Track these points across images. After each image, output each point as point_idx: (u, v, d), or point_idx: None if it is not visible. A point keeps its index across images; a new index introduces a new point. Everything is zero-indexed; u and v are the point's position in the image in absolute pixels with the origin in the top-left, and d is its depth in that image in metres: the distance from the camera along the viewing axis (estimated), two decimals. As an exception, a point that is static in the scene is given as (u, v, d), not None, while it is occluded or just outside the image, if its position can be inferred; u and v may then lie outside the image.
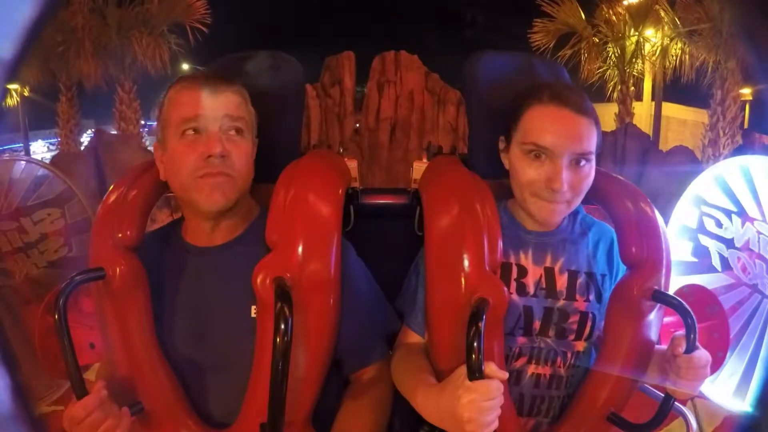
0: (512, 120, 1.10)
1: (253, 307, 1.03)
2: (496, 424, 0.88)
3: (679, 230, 2.17)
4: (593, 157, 1.06)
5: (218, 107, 1.02)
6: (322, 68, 7.48)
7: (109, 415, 0.92)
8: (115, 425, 0.93)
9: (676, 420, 1.21)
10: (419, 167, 1.32)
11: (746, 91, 8.53)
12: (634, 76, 9.79)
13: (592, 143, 1.04)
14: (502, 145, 1.14)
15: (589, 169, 1.05)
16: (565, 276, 1.13)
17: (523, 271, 1.12)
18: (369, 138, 7.32)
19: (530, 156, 1.04)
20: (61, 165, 5.86)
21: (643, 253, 1.07)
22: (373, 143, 7.31)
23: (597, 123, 1.06)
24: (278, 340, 0.87)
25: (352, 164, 1.30)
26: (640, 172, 6.15)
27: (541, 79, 1.21)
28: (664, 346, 1.07)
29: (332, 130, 7.22)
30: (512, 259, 1.12)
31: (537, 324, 1.11)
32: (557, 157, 1.02)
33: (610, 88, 9.78)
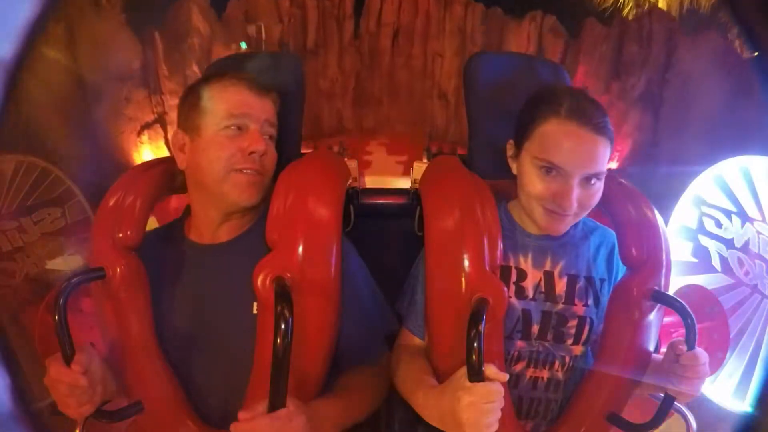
0: (525, 127, 1.06)
1: (255, 304, 1.03)
2: (495, 426, 0.88)
3: (679, 230, 2.17)
4: (604, 175, 1.03)
5: (262, 111, 1.08)
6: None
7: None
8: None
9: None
10: (419, 167, 1.32)
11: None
12: (649, 1, 9.57)
13: (605, 163, 1.01)
14: (510, 150, 1.11)
15: (600, 187, 1.03)
16: (565, 280, 1.12)
17: (522, 275, 1.12)
18: (369, 42, 7.04)
19: (542, 170, 1.02)
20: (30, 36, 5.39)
21: (643, 254, 1.07)
22: (373, 48, 6.99)
23: (612, 140, 1.02)
24: (278, 340, 0.87)
25: (352, 164, 1.30)
26: (667, 56, 5.85)
27: (541, 80, 1.21)
28: (660, 356, 1.07)
29: (330, 33, 6.95)
30: (512, 263, 1.12)
31: (535, 328, 1.10)
32: (570, 176, 0.99)
33: (626, 13, 9.60)
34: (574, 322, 1.11)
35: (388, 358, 1.15)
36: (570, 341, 1.12)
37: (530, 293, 1.11)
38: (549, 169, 1.01)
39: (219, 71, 1.13)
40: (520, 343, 1.10)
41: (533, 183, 1.03)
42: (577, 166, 0.99)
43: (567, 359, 1.12)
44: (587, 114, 0.99)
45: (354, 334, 1.09)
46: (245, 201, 1.06)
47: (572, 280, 1.12)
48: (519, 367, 1.11)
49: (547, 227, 1.06)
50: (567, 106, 1.00)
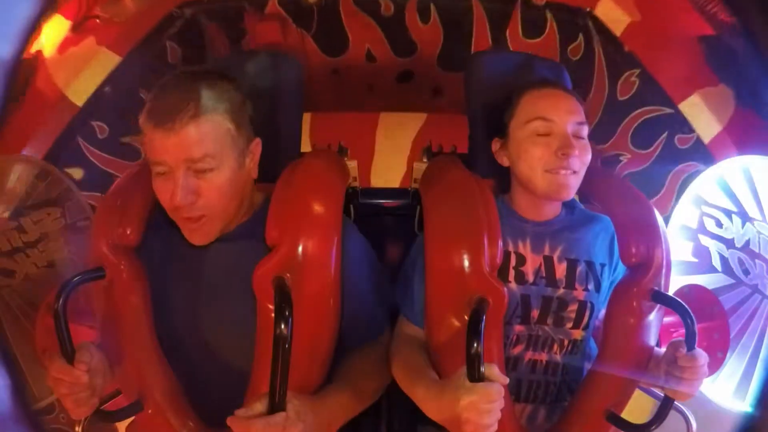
0: (507, 113, 1.15)
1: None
2: (495, 427, 0.88)
3: (679, 230, 2.16)
4: (587, 132, 1.13)
5: (177, 150, 0.95)
6: None
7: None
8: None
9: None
10: (419, 167, 1.32)
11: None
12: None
13: (584, 116, 1.12)
14: (497, 145, 1.18)
15: (587, 143, 1.11)
16: (564, 264, 1.13)
17: (521, 260, 1.13)
18: None
19: (537, 133, 1.09)
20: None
21: (643, 254, 1.08)
22: None
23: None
24: (278, 341, 0.87)
25: (352, 164, 1.30)
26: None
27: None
28: (661, 350, 1.07)
29: None
30: (511, 248, 1.13)
31: (535, 312, 1.11)
32: (563, 126, 1.08)
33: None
34: (574, 307, 1.12)
35: (389, 337, 1.15)
36: (569, 325, 1.13)
37: (530, 278, 1.12)
38: (544, 125, 1.09)
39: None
40: (519, 328, 1.11)
41: (532, 150, 1.10)
42: (565, 115, 1.09)
43: (566, 342, 1.13)
44: (556, 83, 1.18)
45: (355, 315, 1.09)
46: (199, 243, 1.04)
47: (572, 265, 1.13)
48: (517, 350, 1.12)
49: (556, 191, 1.09)
50: (537, 81, 1.17)
